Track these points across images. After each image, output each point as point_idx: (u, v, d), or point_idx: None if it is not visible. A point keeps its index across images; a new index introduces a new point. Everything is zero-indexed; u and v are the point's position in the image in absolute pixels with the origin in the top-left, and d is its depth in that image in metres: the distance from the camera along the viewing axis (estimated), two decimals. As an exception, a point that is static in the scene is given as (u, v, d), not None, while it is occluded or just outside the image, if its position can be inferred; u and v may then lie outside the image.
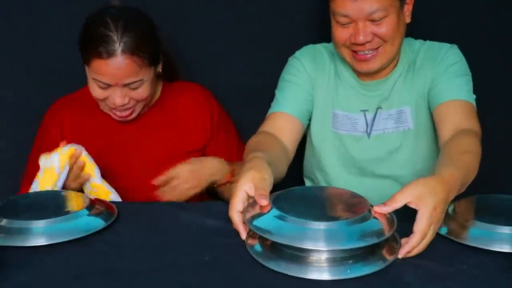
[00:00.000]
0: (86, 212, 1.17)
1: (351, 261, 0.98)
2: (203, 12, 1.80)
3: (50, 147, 1.39)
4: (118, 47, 1.37)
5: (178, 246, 1.08)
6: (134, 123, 1.55)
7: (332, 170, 1.57)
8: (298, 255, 0.98)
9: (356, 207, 1.03)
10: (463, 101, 1.39)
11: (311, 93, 1.54)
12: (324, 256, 0.97)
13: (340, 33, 1.41)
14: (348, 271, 0.96)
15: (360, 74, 1.51)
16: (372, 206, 1.04)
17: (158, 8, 1.57)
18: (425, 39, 1.55)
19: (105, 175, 1.43)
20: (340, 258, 0.98)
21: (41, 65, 1.75)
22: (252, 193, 1.08)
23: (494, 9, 1.78)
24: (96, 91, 1.44)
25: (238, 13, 1.80)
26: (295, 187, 1.15)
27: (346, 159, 1.55)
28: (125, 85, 1.42)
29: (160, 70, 1.52)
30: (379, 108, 1.51)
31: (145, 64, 1.42)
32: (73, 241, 1.10)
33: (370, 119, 1.51)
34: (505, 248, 1.02)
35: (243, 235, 1.08)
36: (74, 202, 1.23)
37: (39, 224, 1.11)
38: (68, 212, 1.16)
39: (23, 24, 1.77)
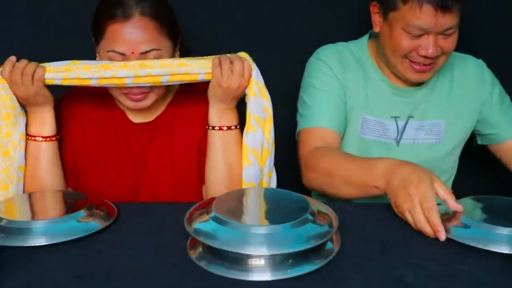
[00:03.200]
0: (86, 212, 1.17)
1: (291, 261, 0.99)
2: (211, 11, 1.80)
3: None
4: (136, 9, 1.30)
5: (178, 246, 1.08)
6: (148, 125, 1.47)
7: None
8: (239, 258, 0.99)
9: (297, 209, 1.04)
10: None
11: (344, 100, 1.52)
12: (265, 259, 0.98)
13: (409, 43, 1.39)
14: (289, 270, 0.97)
15: (393, 77, 1.51)
16: (315, 206, 1.06)
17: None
18: None
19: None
20: (281, 259, 0.98)
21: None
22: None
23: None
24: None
25: (248, 11, 1.81)
26: (235, 189, 1.16)
27: None
28: (142, 56, 1.31)
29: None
30: (410, 117, 1.51)
31: (164, 33, 1.33)
32: (73, 241, 1.10)
33: (401, 127, 1.51)
34: (504, 249, 1.02)
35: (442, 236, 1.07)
36: (74, 202, 1.22)
37: (39, 224, 1.11)
38: (68, 212, 1.16)
39: (24, 24, 1.77)
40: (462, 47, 1.52)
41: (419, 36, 1.38)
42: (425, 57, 1.39)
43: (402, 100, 1.52)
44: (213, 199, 1.11)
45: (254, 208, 1.09)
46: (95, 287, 0.97)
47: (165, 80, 1.32)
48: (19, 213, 1.18)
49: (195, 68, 1.31)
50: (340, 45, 1.58)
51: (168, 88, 1.44)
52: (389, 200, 1.30)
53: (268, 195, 1.18)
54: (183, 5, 1.48)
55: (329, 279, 0.97)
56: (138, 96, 1.36)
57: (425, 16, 1.34)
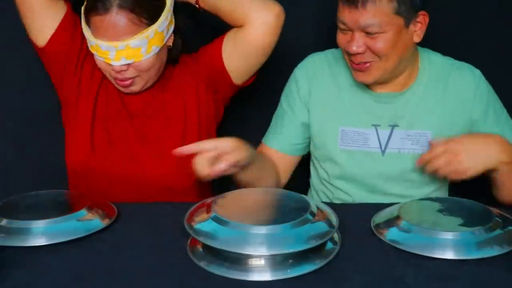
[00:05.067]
0: (86, 212, 1.17)
1: (291, 261, 0.99)
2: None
3: None
4: (114, 2, 1.32)
5: (178, 246, 1.08)
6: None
7: (339, 184, 1.52)
8: (239, 258, 0.99)
9: (297, 209, 1.05)
10: None
11: (306, 122, 1.53)
12: (265, 259, 0.99)
13: (341, 38, 1.40)
14: (289, 270, 0.97)
15: (371, 84, 1.47)
16: (315, 206, 1.06)
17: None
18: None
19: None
20: (281, 259, 0.99)
21: (42, 66, 1.75)
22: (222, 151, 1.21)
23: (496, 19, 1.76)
24: (101, 63, 1.39)
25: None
26: (234, 190, 1.16)
27: (356, 174, 1.48)
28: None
29: (171, 44, 1.45)
30: (395, 125, 1.46)
31: (144, 23, 1.35)
32: (73, 241, 1.10)
33: (384, 136, 1.46)
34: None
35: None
36: (74, 202, 1.22)
37: (39, 224, 1.11)
38: (68, 212, 1.16)
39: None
40: (454, 50, 1.52)
41: (345, 31, 1.37)
42: (349, 53, 1.37)
43: (382, 106, 1.46)
44: (213, 199, 1.11)
45: (254, 208, 1.09)
46: (95, 287, 0.97)
47: (144, 50, 1.36)
48: (19, 213, 1.18)
49: (163, 24, 1.37)
50: (327, 53, 1.56)
51: (160, 65, 1.45)
52: (388, 200, 1.30)
53: (268, 195, 1.17)
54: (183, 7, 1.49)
55: (329, 279, 0.97)
56: (125, 82, 1.41)
57: (342, 10, 1.35)
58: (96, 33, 1.37)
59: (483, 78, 1.48)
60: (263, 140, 1.59)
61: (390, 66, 1.38)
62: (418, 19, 1.37)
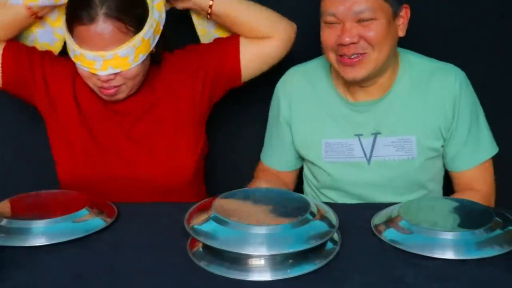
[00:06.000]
0: (86, 212, 1.17)
1: (291, 261, 0.99)
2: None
3: None
4: (100, 11, 1.30)
5: (178, 246, 1.08)
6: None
7: (328, 194, 1.52)
8: (239, 258, 0.99)
9: (297, 209, 1.05)
10: (484, 163, 1.44)
11: (290, 139, 1.53)
12: (265, 259, 0.99)
13: (327, 34, 1.36)
14: (289, 270, 0.97)
15: (350, 93, 1.45)
16: (315, 206, 1.07)
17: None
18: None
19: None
20: (281, 259, 0.99)
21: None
22: None
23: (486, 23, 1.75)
24: (85, 73, 1.37)
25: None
26: (235, 190, 1.16)
27: (344, 184, 1.48)
28: None
29: (154, 50, 1.43)
30: (378, 133, 1.43)
31: (131, 31, 1.34)
32: (73, 241, 1.10)
33: (368, 144, 1.44)
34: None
35: None
36: (74, 202, 1.22)
37: (39, 224, 1.11)
38: (68, 212, 1.16)
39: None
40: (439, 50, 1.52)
41: (334, 24, 1.34)
42: (344, 45, 1.33)
43: (362, 115, 1.44)
44: (213, 199, 1.11)
45: (254, 208, 1.09)
46: (95, 287, 0.97)
47: (132, 59, 1.34)
48: (19, 213, 1.18)
49: (148, 32, 1.36)
50: (302, 69, 1.55)
51: (145, 71, 1.44)
52: (388, 200, 1.30)
53: (268, 195, 1.18)
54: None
55: (329, 279, 0.97)
56: (111, 91, 1.39)
57: (330, 1, 1.33)
58: (81, 43, 1.34)
59: (465, 82, 1.43)
60: (261, 157, 1.62)
61: (382, 58, 1.36)
62: (401, 13, 1.37)
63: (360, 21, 1.32)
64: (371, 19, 1.32)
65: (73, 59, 1.38)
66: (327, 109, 1.48)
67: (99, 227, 1.15)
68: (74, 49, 1.35)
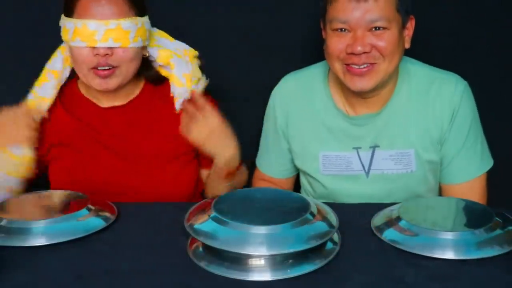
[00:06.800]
0: (86, 212, 1.17)
1: (291, 261, 0.99)
2: (202, 12, 1.80)
3: None
4: None
5: (178, 246, 1.08)
6: (123, 118, 1.47)
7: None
8: (239, 258, 0.99)
9: (297, 209, 1.05)
10: (477, 178, 1.41)
11: (287, 148, 1.53)
12: (265, 259, 0.99)
13: (336, 42, 1.32)
14: (289, 270, 0.97)
15: (349, 104, 1.43)
16: (315, 206, 1.07)
17: (161, 9, 1.57)
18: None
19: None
20: (281, 259, 0.99)
21: (40, 67, 1.76)
22: None
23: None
24: (82, 51, 1.35)
25: (239, 10, 1.80)
26: (236, 190, 1.16)
27: (341, 197, 1.46)
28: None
29: (147, 54, 1.45)
30: (376, 146, 1.41)
31: (133, 9, 1.36)
32: (73, 241, 1.10)
33: (366, 157, 1.42)
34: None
35: None
36: (74, 202, 1.22)
37: (39, 224, 1.11)
38: (68, 212, 1.16)
39: (24, 25, 1.77)
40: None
41: (344, 31, 1.30)
42: (355, 55, 1.29)
43: (361, 129, 1.41)
44: (213, 199, 1.11)
45: (254, 208, 1.09)
46: (95, 287, 0.97)
47: (132, 37, 1.35)
48: (19, 213, 1.18)
49: (147, 24, 1.40)
50: (299, 77, 1.51)
51: (136, 72, 1.45)
52: (388, 201, 1.30)
53: (268, 195, 1.18)
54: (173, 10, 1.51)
55: (329, 279, 0.97)
56: (105, 72, 1.37)
57: (341, 7, 1.28)
58: (84, 14, 1.34)
59: (466, 94, 1.39)
60: (256, 163, 1.61)
61: (391, 69, 1.33)
62: (407, 25, 1.35)
63: (372, 29, 1.29)
64: (384, 28, 1.29)
65: (70, 41, 1.35)
66: (325, 122, 1.45)
67: (99, 227, 1.15)
68: (75, 23, 1.34)
